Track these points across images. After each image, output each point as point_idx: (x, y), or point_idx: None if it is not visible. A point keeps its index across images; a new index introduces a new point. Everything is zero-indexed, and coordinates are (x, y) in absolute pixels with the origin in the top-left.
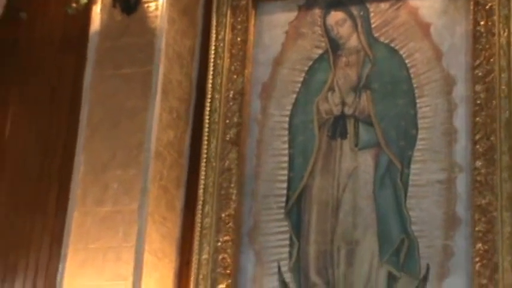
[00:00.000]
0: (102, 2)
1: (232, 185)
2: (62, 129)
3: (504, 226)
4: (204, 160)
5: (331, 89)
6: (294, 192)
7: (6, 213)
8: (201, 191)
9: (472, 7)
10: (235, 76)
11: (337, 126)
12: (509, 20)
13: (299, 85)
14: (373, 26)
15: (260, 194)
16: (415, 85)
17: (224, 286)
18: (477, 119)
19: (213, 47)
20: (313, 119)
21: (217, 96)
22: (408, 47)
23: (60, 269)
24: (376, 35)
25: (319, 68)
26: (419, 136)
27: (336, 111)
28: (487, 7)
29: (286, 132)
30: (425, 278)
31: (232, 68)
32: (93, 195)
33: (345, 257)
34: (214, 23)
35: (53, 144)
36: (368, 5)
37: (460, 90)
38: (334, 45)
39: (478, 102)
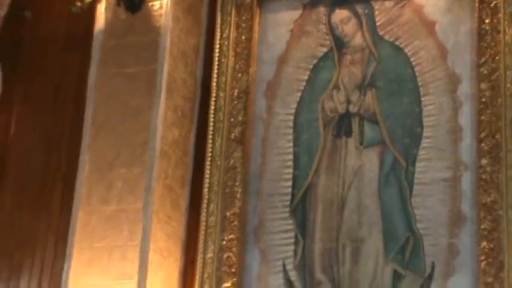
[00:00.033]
0: (106, 1)
1: (237, 184)
2: (66, 128)
3: (509, 224)
4: (209, 159)
5: (336, 87)
6: (299, 190)
7: (11, 212)
8: (205, 190)
9: (477, 5)
10: (239, 74)
11: (342, 125)
12: None
13: (304, 83)
14: (377, 24)
15: (265, 192)
16: (420, 83)
17: (229, 285)
18: (482, 117)
19: (217, 46)
20: (318, 118)
21: (222, 94)
22: (413, 45)
23: (65, 268)
24: (381, 33)
25: (324, 66)
26: (425, 134)
27: (341, 109)
28: (492, 5)
29: (291, 131)
30: (430, 276)
31: (237, 66)
32: (98, 194)
33: (350, 255)
34: (218, 21)
35: (57, 143)
36: (373, 3)
37: (465, 88)
38: (339, 44)
39: (483, 100)
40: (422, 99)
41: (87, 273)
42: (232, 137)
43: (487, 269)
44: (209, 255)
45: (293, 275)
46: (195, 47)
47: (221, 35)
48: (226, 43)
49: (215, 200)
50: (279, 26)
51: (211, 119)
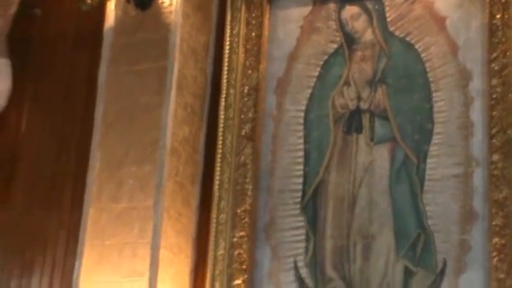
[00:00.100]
0: None
1: (247, 181)
2: (76, 126)
3: None
4: (220, 156)
5: (347, 83)
6: (309, 187)
7: (22, 210)
8: (216, 187)
9: (487, 0)
10: (250, 71)
11: (353, 121)
12: None
13: (314, 80)
14: (388, 20)
15: (276, 189)
16: (430, 79)
17: (240, 281)
18: (494, 112)
19: (227, 42)
20: (329, 114)
21: (232, 91)
22: (424, 41)
23: (76, 266)
24: (391, 29)
25: (334, 62)
26: (435, 130)
27: (352, 105)
28: (503, 0)
29: (302, 128)
30: (442, 273)
31: (247, 63)
32: (109, 191)
33: (361, 252)
34: (228, 18)
35: (67, 141)
36: None
37: (476, 84)
38: (349, 40)
39: (494, 96)
40: (433, 95)
41: (98, 270)
42: (243, 134)
43: (499, 265)
44: (220, 252)
45: (304, 272)
46: (205, 44)
47: (231, 32)
48: (236, 40)
49: (226, 197)
50: (289, 22)
51: (222, 116)
